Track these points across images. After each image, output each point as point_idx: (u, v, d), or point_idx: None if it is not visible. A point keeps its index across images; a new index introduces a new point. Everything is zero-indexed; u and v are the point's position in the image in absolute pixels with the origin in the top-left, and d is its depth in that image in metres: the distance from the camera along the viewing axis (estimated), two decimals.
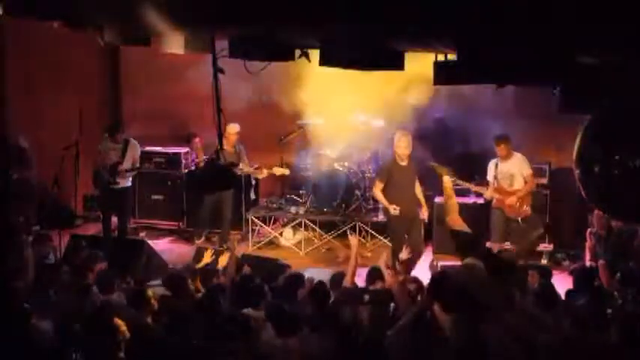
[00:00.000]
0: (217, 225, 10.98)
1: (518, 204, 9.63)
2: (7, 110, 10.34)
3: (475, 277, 6.73)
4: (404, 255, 7.92)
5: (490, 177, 9.78)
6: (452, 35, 5.13)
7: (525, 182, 9.73)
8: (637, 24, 4.23)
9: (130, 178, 10.64)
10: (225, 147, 10.20)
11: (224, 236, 10.78)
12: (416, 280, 7.37)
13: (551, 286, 7.18)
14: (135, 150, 10.52)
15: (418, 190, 9.46)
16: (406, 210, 9.25)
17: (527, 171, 9.73)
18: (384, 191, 9.34)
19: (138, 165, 10.64)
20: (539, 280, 7.48)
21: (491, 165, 9.83)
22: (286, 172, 10.88)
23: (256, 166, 10.92)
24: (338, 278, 7.37)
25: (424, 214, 9.39)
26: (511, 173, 9.72)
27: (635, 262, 8.35)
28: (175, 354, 5.64)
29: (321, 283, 7.03)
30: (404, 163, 9.29)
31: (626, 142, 5.26)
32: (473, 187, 10.05)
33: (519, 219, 9.68)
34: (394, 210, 9.13)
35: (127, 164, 10.39)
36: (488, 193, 9.74)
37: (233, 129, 10.48)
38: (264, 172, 10.94)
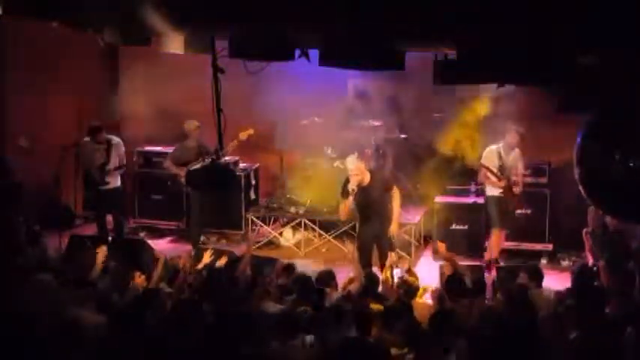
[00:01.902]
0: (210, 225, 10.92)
1: (516, 196, 9.82)
2: (7, 110, 10.36)
3: None
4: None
5: (493, 163, 9.71)
6: (452, 35, 5.13)
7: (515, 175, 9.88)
8: (636, 24, 4.24)
9: (119, 177, 10.62)
10: (189, 143, 10.22)
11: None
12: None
13: (520, 289, 7.17)
14: (119, 148, 10.51)
15: (395, 205, 8.95)
16: (372, 229, 8.93)
17: (522, 168, 9.95)
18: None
19: (124, 162, 10.63)
20: (527, 281, 7.44)
21: (492, 153, 9.76)
22: (251, 131, 10.27)
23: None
24: (325, 276, 7.41)
25: (392, 229, 8.88)
26: (510, 166, 9.82)
27: (635, 263, 8.35)
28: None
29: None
30: (364, 185, 8.80)
31: (626, 142, 5.27)
32: (498, 180, 9.81)
33: (511, 208, 9.85)
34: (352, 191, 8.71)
35: (113, 163, 10.40)
36: (502, 182, 9.71)
37: (193, 124, 10.31)
38: (233, 144, 10.16)
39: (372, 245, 8.93)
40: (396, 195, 8.98)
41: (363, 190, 8.79)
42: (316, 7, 5.17)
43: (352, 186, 8.72)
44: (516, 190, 9.83)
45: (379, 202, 8.90)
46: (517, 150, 9.87)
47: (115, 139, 10.54)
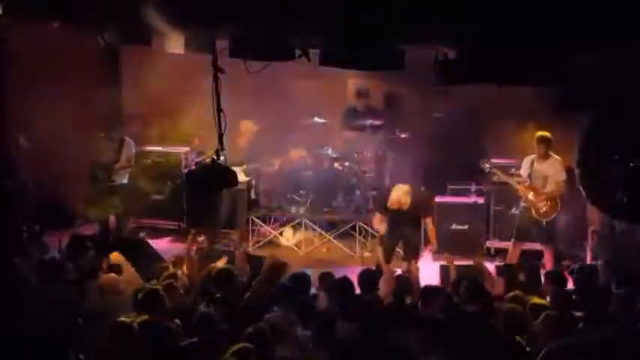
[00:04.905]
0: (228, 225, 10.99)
1: (546, 207, 9.37)
2: (7, 110, 10.31)
3: None
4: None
5: (524, 173, 9.50)
6: (452, 35, 5.14)
7: (557, 186, 9.37)
8: (636, 23, 4.24)
9: (127, 176, 10.75)
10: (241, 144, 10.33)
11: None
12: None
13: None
14: (130, 148, 10.72)
15: (430, 226, 9.21)
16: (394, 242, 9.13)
17: (561, 177, 9.34)
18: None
19: (132, 163, 10.82)
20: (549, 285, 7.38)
21: (526, 161, 9.50)
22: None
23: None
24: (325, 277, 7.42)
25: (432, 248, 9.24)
26: (545, 175, 9.40)
27: (636, 263, 8.34)
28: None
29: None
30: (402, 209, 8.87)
31: (625, 142, 5.28)
32: (512, 181, 9.68)
33: (544, 221, 9.43)
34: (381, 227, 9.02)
35: (122, 162, 10.60)
36: (521, 188, 9.45)
37: (248, 125, 10.40)
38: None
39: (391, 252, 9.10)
40: (429, 222, 9.14)
41: (398, 215, 8.84)
42: (316, 7, 5.18)
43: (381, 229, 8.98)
44: (541, 205, 9.35)
45: (412, 228, 9.05)
46: (555, 159, 9.37)
47: (128, 139, 10.76)
